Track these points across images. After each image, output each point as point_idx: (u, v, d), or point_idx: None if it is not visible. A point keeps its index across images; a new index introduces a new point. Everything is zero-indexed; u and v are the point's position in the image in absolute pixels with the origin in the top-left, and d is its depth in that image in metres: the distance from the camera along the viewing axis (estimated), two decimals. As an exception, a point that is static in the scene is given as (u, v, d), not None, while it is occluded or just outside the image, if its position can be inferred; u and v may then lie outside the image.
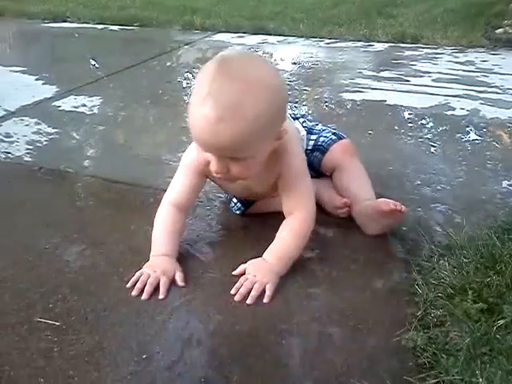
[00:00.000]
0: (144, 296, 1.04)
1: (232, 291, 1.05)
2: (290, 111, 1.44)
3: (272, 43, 3.50)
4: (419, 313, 0.98)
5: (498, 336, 0.87)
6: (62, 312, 1.00)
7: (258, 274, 1.08)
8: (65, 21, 4.27)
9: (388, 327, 0.96)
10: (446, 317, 0.94)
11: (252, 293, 1.04)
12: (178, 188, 1.19)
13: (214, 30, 3.89)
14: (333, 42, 3.47)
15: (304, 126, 1.41)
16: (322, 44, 3.44)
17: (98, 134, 1.93)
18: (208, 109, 0.95)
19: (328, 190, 1.35)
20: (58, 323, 0.97)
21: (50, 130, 1.95)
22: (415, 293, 1.03)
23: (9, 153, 1.74)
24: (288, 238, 1.14)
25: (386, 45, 3.35)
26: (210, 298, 1.05)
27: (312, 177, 1.38)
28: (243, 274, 1.10)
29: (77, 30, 3.98)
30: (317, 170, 1.38)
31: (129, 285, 1.07)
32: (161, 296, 1.04)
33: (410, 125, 1.97)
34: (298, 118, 1.45)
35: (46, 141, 1.85)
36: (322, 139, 1.38)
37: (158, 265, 1.10)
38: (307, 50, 3.28)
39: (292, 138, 1.18)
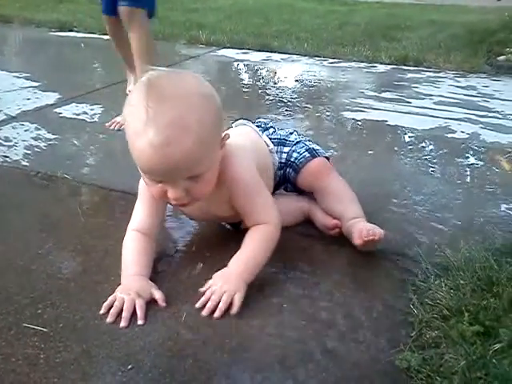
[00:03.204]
0: (123, 323, 0.96)
1: (197, 305, 1.01)
2: (258, 123, 1.41)
3: (276, 60, 3.53)
4: (414, 333, 0.96)
5: (494, 360, 0.85)
6: (51, 318, 0.98)
7: (224, 283, 1.03)
8: (71, 30, 4.31)
9: (382, 347, 0.94)
10: (441, 338, 0.93)
11: (220, 305, 0.99)
12: (139, 215, 1.15)
13: (219, 45, 3.93)
14: (336, 62, 3.50)
15: (274, 138, 1.35)
16: (325, 63, 3.47)
17: (97, 141, 1.93)
18: (152, 135, 0.92)
19: (319, 210, 1.32)
20: (45, 329, 0.95)
21: (49, 135, 1.94)
22: (410, 313, 1.02)
23: (7, 157, 1.73)
24: (253, 246, 1.09)
25: (389, 67, 3.38)
26: (200, 310, 1.02)
27: (291, 191, 1.36)
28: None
29: (83, 39, 4.02)
30: (293, 185, 1.35)
31: (102, 311, 0.99)
32: (140, 321, 0.97)
33: (409, 146, 1.97)
34: (267, 129, 1.39)
35: (44, 146, 1.84)
36: (294, 155, 1.32)
37: (132, 286, 1.03)
38: (310, 68, 3.31)
39: (237, 150, 1.13)
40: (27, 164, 1.69)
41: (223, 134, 1.07)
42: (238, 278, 1.05)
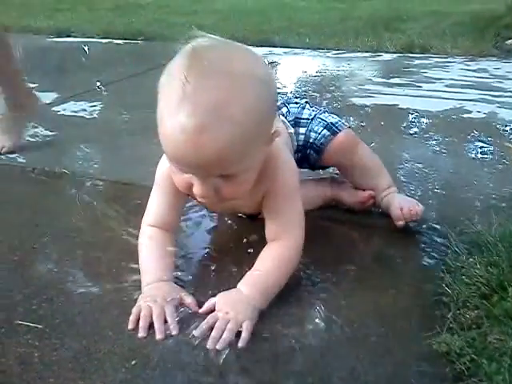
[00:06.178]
0: (158, 336, 0.82)
1: (196, 333, 0.83)
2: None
3: (278, 54, 3.45)
4: (450, 314, 0.86)
5: (545, 339, 0.75)
6: (47, 314, 0.89)
7: (230, 310, 0.85)
8: (69, 36, 4.26)
9: (416, 330, 0.84)
10: (482, 318, 0.83)
11: (224, 335, 0.81)
12: (157, 208, 1.00)
13: (220, 43, 3.84)
14: (340, 53, 3.41)
15: (290, 120, 1.20)
16: (328, 54, 3.38)
17: (96, 137, 1.84)
18: (185, 117, 0.76)
19: (345, 188, 1.23)
20: (40, 326, 0.86)
21: (46, 132, 1.86)
22: (443, 293, 0.92)
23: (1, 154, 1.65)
24: (269, 267, 0.92)
25: (395, 55, 3.29)
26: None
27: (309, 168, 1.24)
28: (212, 310, 0.87)
29: (81, 44, 3.95)
30: (313, 165, 1.23)
31: (130, 326, 0.85)
32: (173, 332, 0.83)
33: (424, 127, 1.87)
34: (279, 108, 1.20)
35: (42, 143, 1.76)
36: (313, 136, 1.16)
37: (157, 293, 0.89)
38: (314, 59, 3.23)
39: (282, 143, 0.99)
40: (23, 160, 1.60)
41: (273, 130, 0.88)
42: (248, 303, 0.88)
